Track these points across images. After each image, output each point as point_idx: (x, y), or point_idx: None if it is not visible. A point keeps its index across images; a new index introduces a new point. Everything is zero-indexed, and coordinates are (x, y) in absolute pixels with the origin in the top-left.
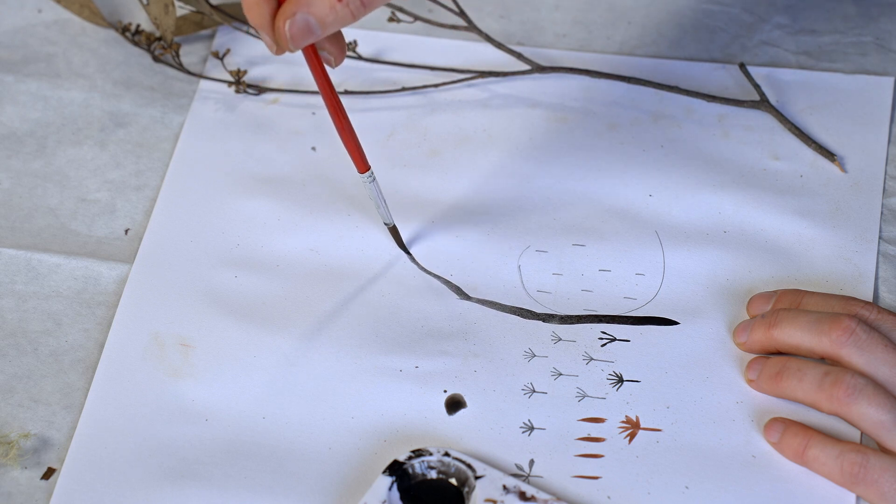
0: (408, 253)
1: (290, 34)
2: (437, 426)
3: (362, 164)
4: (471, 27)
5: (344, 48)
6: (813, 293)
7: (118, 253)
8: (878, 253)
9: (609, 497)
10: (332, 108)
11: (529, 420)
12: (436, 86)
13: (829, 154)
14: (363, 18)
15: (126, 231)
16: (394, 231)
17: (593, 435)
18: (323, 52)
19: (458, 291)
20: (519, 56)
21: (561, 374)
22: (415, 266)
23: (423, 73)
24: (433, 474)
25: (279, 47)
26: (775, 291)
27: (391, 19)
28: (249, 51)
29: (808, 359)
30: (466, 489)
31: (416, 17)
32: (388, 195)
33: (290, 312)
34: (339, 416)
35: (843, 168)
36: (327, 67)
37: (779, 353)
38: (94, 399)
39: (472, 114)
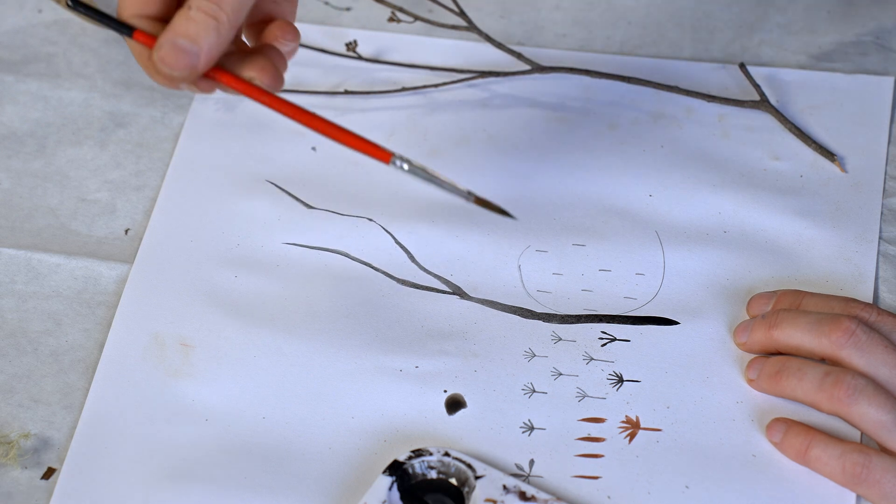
0: (507, 214)
1: (166, 63)
2: (437, 426)
3: (382, 153)
4: (471, 27)
5: (270, 67)
6: (813, 294)
7: (118, 253)
8: (878, 253)
9: (609, 497)
10: (314, 124)
11: (529, 420)
12: (436, 86)
13: (829, 154)
14: (362, 18)
15: (126, 231)
16: (480, 201)
17: (593, 435)
18: (252, 78)
19: (458, 291)
20: (519, 56)
21: (561, 374)
22: (415, 266)
23: (423, 73)
24: (433, 474)
25: (199, 87)
26: (775, 292)
27: (391, 19)
28: None
29: (809, 359)
30: (466, 489)
31: (416, 17)
32: (389, 195)
33: (290, 312)
34: (339, 416)
35: (843, 168)
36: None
37: (779, 353)
38: (94, 399)
39: (472, 114)
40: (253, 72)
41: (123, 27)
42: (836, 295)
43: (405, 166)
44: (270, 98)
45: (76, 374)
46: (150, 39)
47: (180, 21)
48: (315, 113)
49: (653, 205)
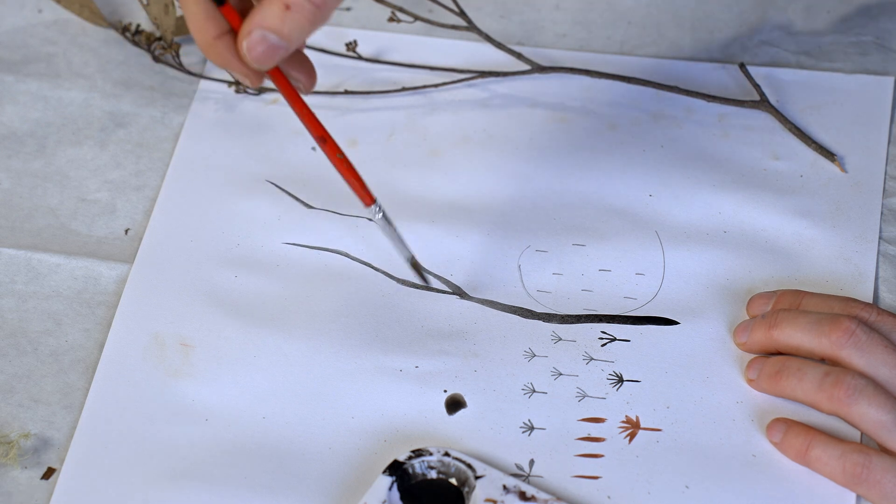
0: (429, 288)
1: (253, 56)
2: (437, 426)
3: (366, 196)
4: (471, 27)
5: (312, 71)
6: (813, 294)
7: (118, 253)
8: (878, 253)
9: (609, 497)
10: (321, 138)
11: (529, 420)
12: (436, 86)
13: (829, 154)
14: (362, 18)
15: (126, 231)
16: (415, 265)
17: (593, 435)
18: (293, 79)
19: (458, 291)
20: (519, 56)
21: (561, 374)
22: None
23: (423, 73)
24: (433, 474)
25: (252, 77)
26: (775, 292)
27: (391, 19)
28: None
29: (809, 359)
30: (466, 489)
31: (416, 17)
32: (389, 195)
33: (290, 312)
34: (339, 416)
35: (843, 168)
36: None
37: (779, 353)
38: (94, 399)
39: (472, 114)
40: (298, 73)
41: None
42: (835, 295)
43: (379, 216)
44: (303, 108)
45: (76, 374)
46: (238, 20)
47: (276, 13)
48: (329, 134)
49: (653, 205)
